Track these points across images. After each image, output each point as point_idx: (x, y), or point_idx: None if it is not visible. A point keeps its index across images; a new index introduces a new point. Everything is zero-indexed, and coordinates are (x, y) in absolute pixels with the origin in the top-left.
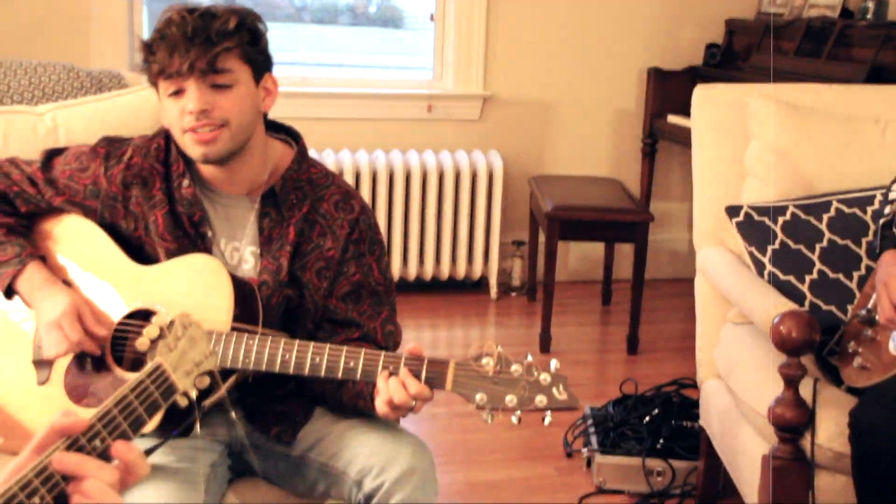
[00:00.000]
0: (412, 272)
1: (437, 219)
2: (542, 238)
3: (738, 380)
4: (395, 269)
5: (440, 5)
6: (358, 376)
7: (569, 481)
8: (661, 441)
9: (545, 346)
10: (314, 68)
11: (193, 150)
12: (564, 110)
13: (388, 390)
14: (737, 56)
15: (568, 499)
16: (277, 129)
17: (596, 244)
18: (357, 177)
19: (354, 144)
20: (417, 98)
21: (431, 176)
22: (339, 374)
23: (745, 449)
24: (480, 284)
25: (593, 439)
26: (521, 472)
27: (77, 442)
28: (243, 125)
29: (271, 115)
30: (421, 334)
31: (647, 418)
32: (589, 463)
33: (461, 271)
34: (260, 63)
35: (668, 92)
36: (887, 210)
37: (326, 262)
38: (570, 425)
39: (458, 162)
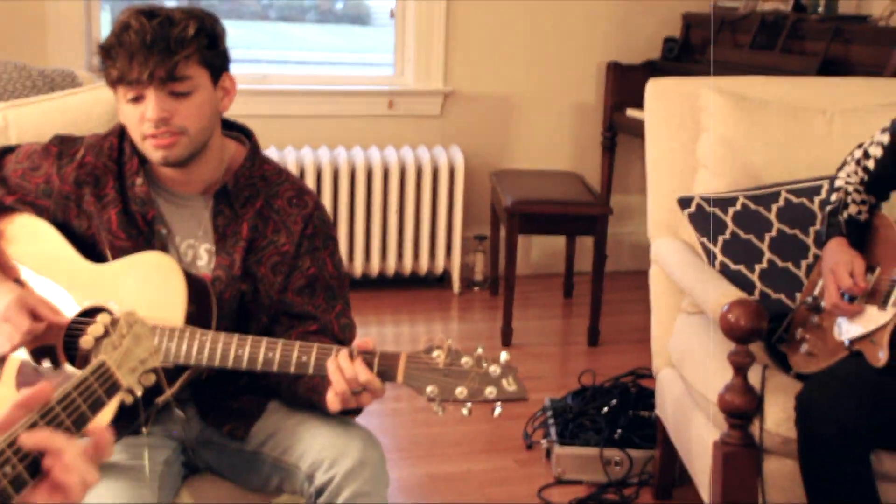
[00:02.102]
0: (374, 268)
1: (399, 214)
2: (503, 232)
3: (690, 368)
4: (358, 265)
5: (400, 2)
6: (311, 370)
7: (528, 473)
8: (619, 431)
9: (507, 339)
10: (276, 66)
11: (153, 155)
12: (525, 105)
13: (339, 381)
14: (694, 49)
15: (527, 490)
16: (231, 127)
17: (557, 238)
18: (318, 174)
19: (316, 141)
20: (378, 94)
21: (393, 172)
22: (293, 369)
23: (698, 436)
24: (443, 279)
25: (552, 430)
26: (482, 464)
27: None
28: (202, 130)
29: (229, 113)
30: (384, 329)
31: (606, 409)
32: (548, 454)
33: (423, 266)
34: (218, 65)
35: (627, 86)
36: (833, 198)
37: (281, 257)
38: (531, 417)
39: (419, 158)
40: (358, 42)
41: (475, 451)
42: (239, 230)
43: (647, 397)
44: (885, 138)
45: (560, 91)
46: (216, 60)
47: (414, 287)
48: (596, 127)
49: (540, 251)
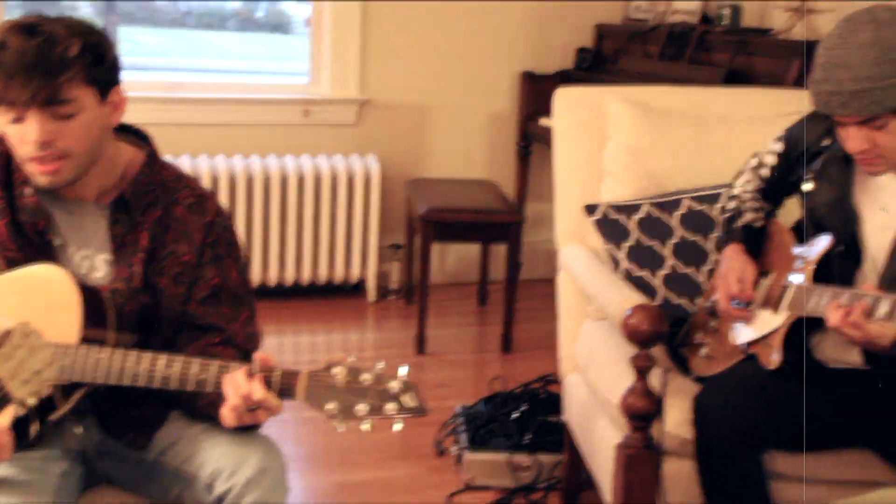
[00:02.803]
0: (289, 277)
1: (314, 223)
2: (418, 241)
3: (594, 373)
4: (273, 274)
5: (316, 10)
6: (210, 388)
7: (439, 479)
8: (529, 436)
9: (421, 347)
10: (191, 74)
11: (38, 179)
12: (440, 114)
13: (233, 396)
14: (606, 60)
15: (437, 497)
16: (127, 131)
17: (473, 246)
18: (232, 182)
19: (230, 150)
20: (294, 103)
21: (308, 180)
22: (191, 386)
23: (601, 439)
24: (358, 288)
25: (463, 437)
26: (393, 471)
27: None
28: (89, 151)
29: (135, 119)
30: (299, 338)
31: (516, 415)
32: (459, 460)
33: (339, 275)
34: (105, 81)
35: (541, 95)
36: (730, 206)
37: (182, 267)
38: (442, 424)
39: (334, 166)
40: (278, 50)
41: (387, 458)
42: (138, 239)
43: (555, 403)
44: (779, 146)
45: (475, 100)
46: (103, 77)
47: (329, 296)
48: (511, 136)
49: (455, 259)
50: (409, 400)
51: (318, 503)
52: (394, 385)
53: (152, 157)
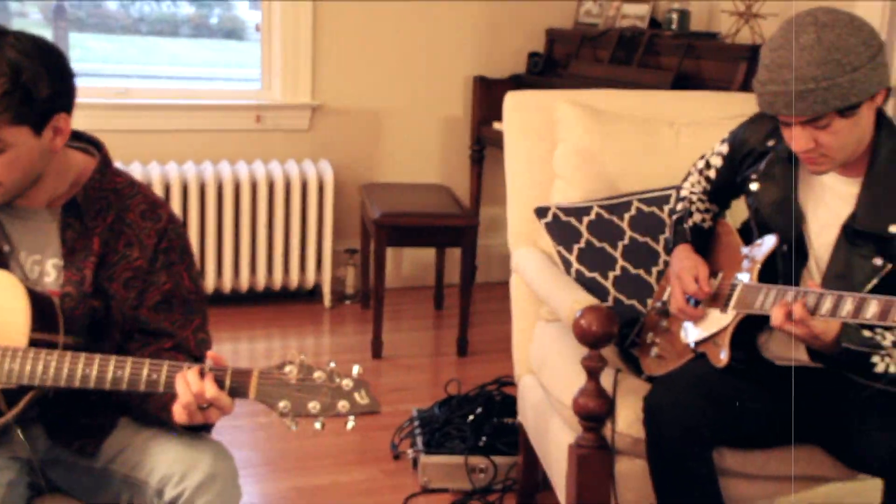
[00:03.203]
0: (244, 283)
1: (268, 229)
2: (373, 245)
3: (547, 374)
4: (227, 281)
5: (266, 14)
6: (161, 388)
7: (395, 483)
8: (484, 438)
9: (377, 352)
10: (142, 80)
11: None
12: (394, 119)
13: (185, 394)
14: (557, 64)
15: (394, 500)
16: (79, 138)
17: (428, 250)
18: (185, 189)
19: (181, 156)
20: (246, 109)
21: (261, 186)
22: (142, 387)
23: (555, 440)
24: (314, 293)
25: (419, 440)
26: (349, 475)
27: None
28: (21, 178)
29: (86, 126)
30: (254, 345)
31: (471, 417)
32: (415, 464)
33: (294, 281)
34: (39, 116)
35: (494, 100)
36: (679, 207)
37: (134, 273)
38: (398, 428)
39: (288, 172)
40: (232, 57)
41: (343, 462)
42: (89, 244)
43: (510, 405)
44: (725, 148)
45: (428, 105)
46: (35, 112)
47: (285, 302)
48: (464, 140)
49: (411, 264)
50: (361, 398)
51: None
52: (346, 383)
53: (104, 164)
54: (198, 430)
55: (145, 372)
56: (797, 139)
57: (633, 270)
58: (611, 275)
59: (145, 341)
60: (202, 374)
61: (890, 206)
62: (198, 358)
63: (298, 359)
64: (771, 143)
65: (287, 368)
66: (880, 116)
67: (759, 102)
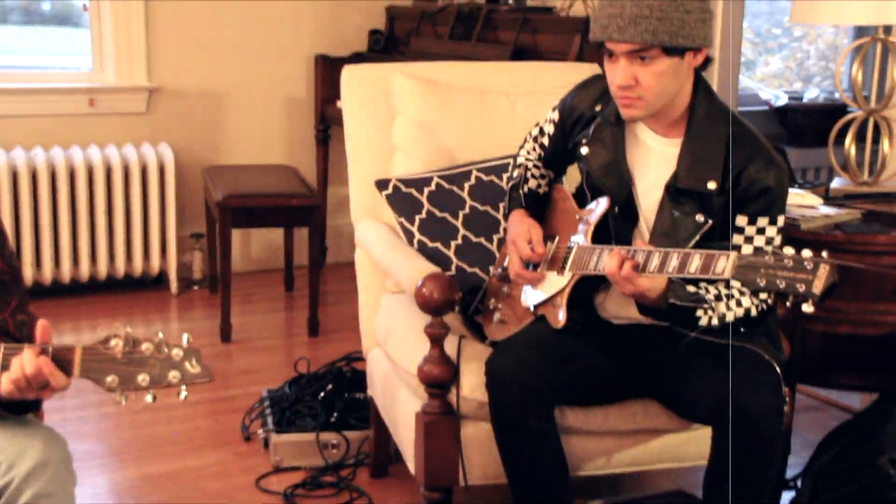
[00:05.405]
0: (84, 273)
1: (107, 216)
2: (218, 228)
3: (393, 345)
4: (66, 271)
5: None
6: None
7: (247, 464)
8: (335, 414)
9: (226, 336)
10: None
11: None
12: (236, 100)
13: (16, 369)
14: (398, 41)
15: (245, 481)
16: None
17: (276, 232)
18: (14, 176)
19: (9, 143)
20: (77, 92)
21: (98, 172)
22: None
23: (403, 410)
24: (160, 280)
25: (269, 420)
26: (200, 460)
27: None
28: None
29: None
30: (98, 335)
31: (322, 394)
32: (266, 443)
33: (138, 268)
34: None
35: (336, 78)
36: (515, 174)
37: None
38: (248, 409)
39: (125, 156)
40: (65, 44)
41: (193, 447)
42: None
43: (361, 380)
44: (556, 115)
45: (271, 85)
46: None
47: (129, 290)
48: (309, 120)
49: (260, 247)
50: (192, 366)
51: (120, 498)
52: (176, 352)
53: None
54: (25, 408)
55: None
56: (621, 72)
57: (474, 239)
58: (453, 244)
59: None
60: (38, 354)
61: (707, 164)
62: (18, 340)
63: (123, 331)
64: (598, 107)
65: (112, 342)
66: (698, 80)
67: (592, 28)
